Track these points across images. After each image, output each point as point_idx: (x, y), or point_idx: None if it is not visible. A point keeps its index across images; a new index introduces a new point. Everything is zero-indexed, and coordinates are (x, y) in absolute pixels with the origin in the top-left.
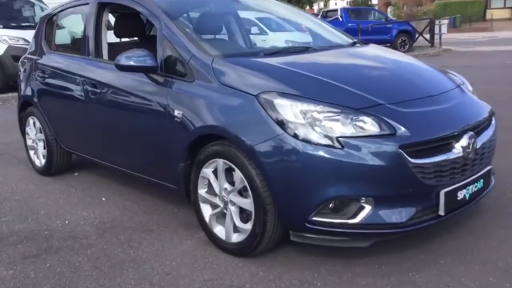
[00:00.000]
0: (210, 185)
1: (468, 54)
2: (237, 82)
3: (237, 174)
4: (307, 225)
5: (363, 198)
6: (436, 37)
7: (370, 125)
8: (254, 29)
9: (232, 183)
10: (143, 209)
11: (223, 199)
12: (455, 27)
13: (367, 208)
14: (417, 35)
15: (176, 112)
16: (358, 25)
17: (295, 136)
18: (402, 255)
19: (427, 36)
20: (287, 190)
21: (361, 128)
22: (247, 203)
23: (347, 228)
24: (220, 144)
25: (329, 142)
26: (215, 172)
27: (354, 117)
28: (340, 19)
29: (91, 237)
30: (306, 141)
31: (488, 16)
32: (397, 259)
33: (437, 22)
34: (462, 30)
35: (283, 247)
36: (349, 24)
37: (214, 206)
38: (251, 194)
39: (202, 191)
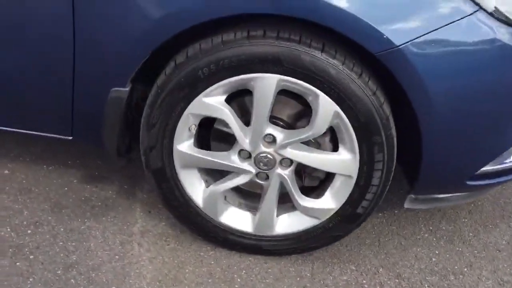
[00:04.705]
0: (204, 134)
1: None
2: None
3: (323, 106)
4: (469, 182)
5: None
6: None
7: None
8: None
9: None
10: None
11: (261, 159)
12: None
13: None
14: None
15: None
16: None
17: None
18: None
19: None
20: (461, 126)
21: None
22: (339, 161)
23: None
24: (276, 40)
25: None
26: (240, 104)
27: None
28: None
29: None
30: None
31: None
32: None
33: None
34: None
35: None
36: None
37: (214, 174)
38: (356, 145)
39: (185, 146)
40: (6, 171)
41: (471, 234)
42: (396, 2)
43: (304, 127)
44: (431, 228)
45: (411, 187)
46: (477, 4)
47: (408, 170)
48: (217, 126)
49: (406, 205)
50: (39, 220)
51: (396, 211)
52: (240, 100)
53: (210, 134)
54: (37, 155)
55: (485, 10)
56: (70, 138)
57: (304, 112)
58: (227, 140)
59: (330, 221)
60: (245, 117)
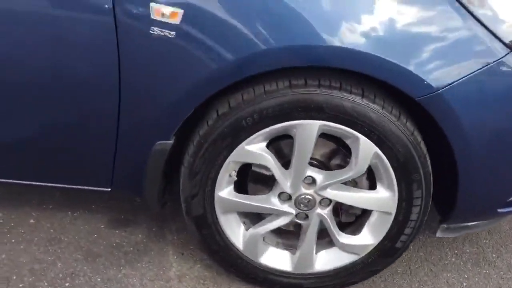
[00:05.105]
0: (240, 176)
1: None
2: None
3: (363, 148)
4: (499, 210)
5: None
6: None
7: None
8: None
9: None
10: None
11: (301, 200)
12: None
13: None
14: None
15: (155, 8)
16: None
17: None
18: None
19: None
20: (497, 160)
21: None
22: (378, 199)
23: None
24: (318, 88)
25: None
26: (276, 148)
27: None
28: None
29: None
30: None
31: None
32: None
33: None
34: None
35: None
36: None
37: (251, 216)
38: (395, 183)
39: (226, 192)
40: (32, 220)
41: (494, 255)
42: (434, 49)
43: (337, 164)
44: (456, 251)
45: (443, 217)
46: (508, 46)
47: (440, 201)
48: (255, 169)
49: (438, 235)
50: (74, 271)
51: (420, 237)
52: (276, 143)
53: (247, 176)
54: (59, 201)
55: None
56: (109, 189)
57: (337, 150)
58: (264, 181)
59: (369, 256)
60: (282, 159)
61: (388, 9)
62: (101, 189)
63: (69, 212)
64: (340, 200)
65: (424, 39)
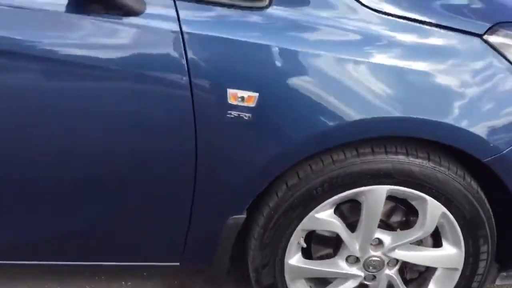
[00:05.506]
0: (312, 246)
1: None
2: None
3: (431, 210)
4: None
5: None
6: None
7: None
8: None
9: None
10: None
11: (370, 263)
12: None
13: None
14: None
15: (232, 94)
16: None
17: None
18: None
19: None
20: None
21: None
22: (445, 256)
23: None
24: (385, 155)
25: None
26: (341, 213)
27: None
28: None
29: None
30: None
31: None
32: None
33: None
34: None
35: None
36: None
37: (316, 280)
38: (462, 240)
39: (295, 259)
40: None
41: None
42: (495, 110)
43: (397, 221)
44: None
45: (502, 266)
46: None
47: (499, 250)
48: (319, 232)
49: (497, 283)
50: None
51: None
52: (340, 207)
53: (311, 239)
54: (110, 271)
55: None
56: (178, 264)
57: (395, 207)
58: (326, 243)
59: None
60: (345, 221)
61: (446, 76)
62: (170, 264)
63: (123, 282)
64: (409, 260)
65: (486, 101)
